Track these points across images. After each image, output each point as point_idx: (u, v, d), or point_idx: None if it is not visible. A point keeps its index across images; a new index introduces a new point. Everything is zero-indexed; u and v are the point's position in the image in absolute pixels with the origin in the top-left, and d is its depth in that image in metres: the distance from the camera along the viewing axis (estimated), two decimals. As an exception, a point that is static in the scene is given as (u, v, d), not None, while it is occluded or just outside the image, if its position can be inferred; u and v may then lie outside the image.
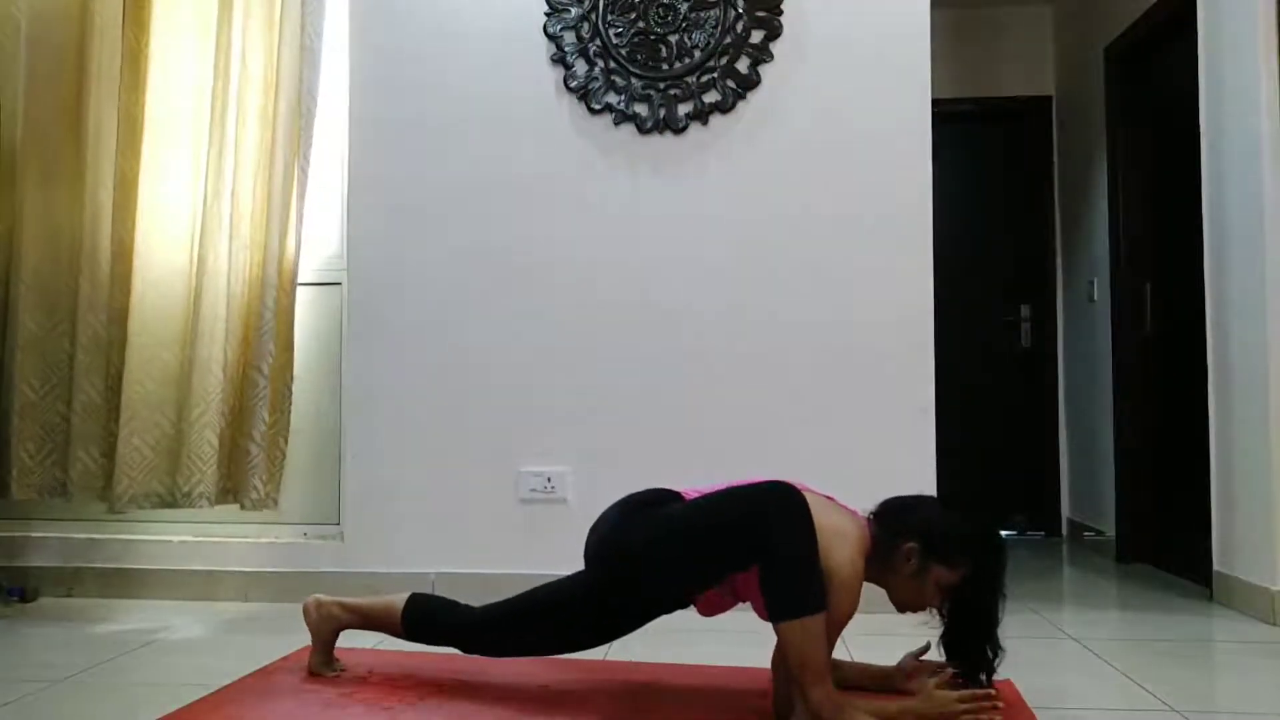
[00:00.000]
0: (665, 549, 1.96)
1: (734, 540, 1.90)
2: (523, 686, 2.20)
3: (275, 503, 3.12)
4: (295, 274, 3.16)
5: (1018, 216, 5.02)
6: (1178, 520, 3.73)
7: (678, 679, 2.29)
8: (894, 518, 2.00)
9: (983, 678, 2.00)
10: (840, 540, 1.91)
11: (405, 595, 2.22)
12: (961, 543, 1.96)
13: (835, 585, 1.87)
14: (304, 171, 3.15)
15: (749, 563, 1.89)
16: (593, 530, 2.09)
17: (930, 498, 2.09)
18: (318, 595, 2.29)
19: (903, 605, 2.02)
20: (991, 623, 1.97)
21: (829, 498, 2.05)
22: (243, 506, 3.07)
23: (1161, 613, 3.11)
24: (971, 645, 1.99)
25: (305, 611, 2.28)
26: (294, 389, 3.17)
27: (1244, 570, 3.05)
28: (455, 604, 2.22)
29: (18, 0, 3.10)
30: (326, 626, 2.26)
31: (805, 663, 1.81)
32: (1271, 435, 2.93)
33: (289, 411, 3.15)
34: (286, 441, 3.14)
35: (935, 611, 2.02)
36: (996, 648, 1.99)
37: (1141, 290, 4.01)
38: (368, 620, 2.24)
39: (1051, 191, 4.97)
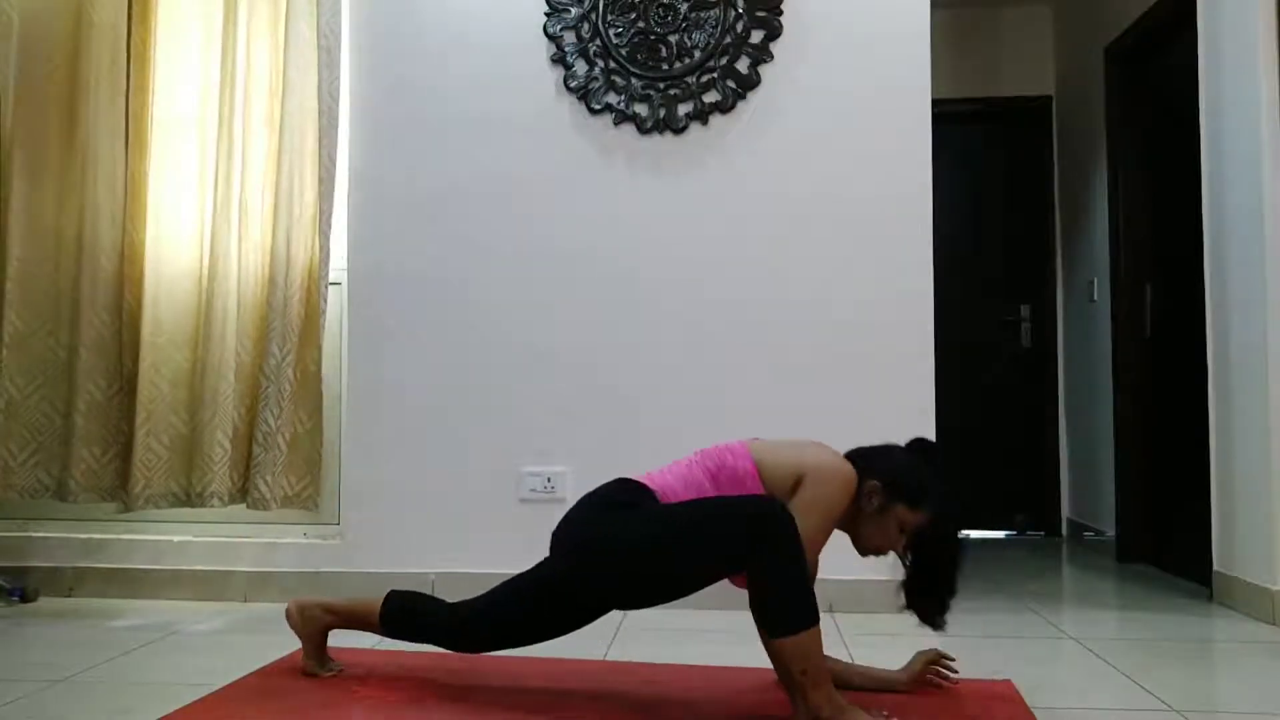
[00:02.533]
0: (647, 561, 1.92)
1: (720, 559, 1.88)
2: (522, 686, 2.20)
3: (316, 504, 3.13)
4: (323, 276, 3.13)
5: (1018, 216, 5.03)
6: (1178, 520, 3.73)
7: (678, 679, 2.29)
8: (861, 460, 2.02)
9: (939, 621, 2.02)
10: (828, 452, 1.99)
11: (383, 598, 2.21)
12: (923, 486, 1.99)
13: (835, 480, 1.93)
14: (328, 173, 3.14)
15: (733, 575, 1.90)
16: (565, 526, 2.04)
17: (897, 446, 2.09)
18: (297, 598, 2.30)
19: (865, 548, 2.05)
20: (952, 570, 1.99)
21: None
22: (247, 505, 3.08)
23: (1161, 613, 3.11)
24: (929, 592, 2.01)
25: (288, 615, 2.27)
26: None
27: (1244, 570, 3.05)
28: (431, 600, 2.23)
29: None
30: (312, 628, 2.26)
31: (804, 671, 1.80)
32: (1271, 435, 2.92)
33: (322, 414, 3.14)
34: (322, 441, 3.14)
35: (901, 560, 2.04)
36: (951, 594, 2.01)
37: (1141, 290, 4.01)
38: (350, 620, 2.25)
39: (1051, 191, 4.98)
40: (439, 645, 2.18)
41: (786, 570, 1.80)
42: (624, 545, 1.93)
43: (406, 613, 2.18)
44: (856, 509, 1.99)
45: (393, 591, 2.22)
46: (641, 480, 2.02)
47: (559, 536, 2.05)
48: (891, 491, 1.98)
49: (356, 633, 2.37)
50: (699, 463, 2.03)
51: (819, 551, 1.97)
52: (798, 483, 1.93)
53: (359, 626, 2.24)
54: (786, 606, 1.80)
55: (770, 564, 1.80)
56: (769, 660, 1.86)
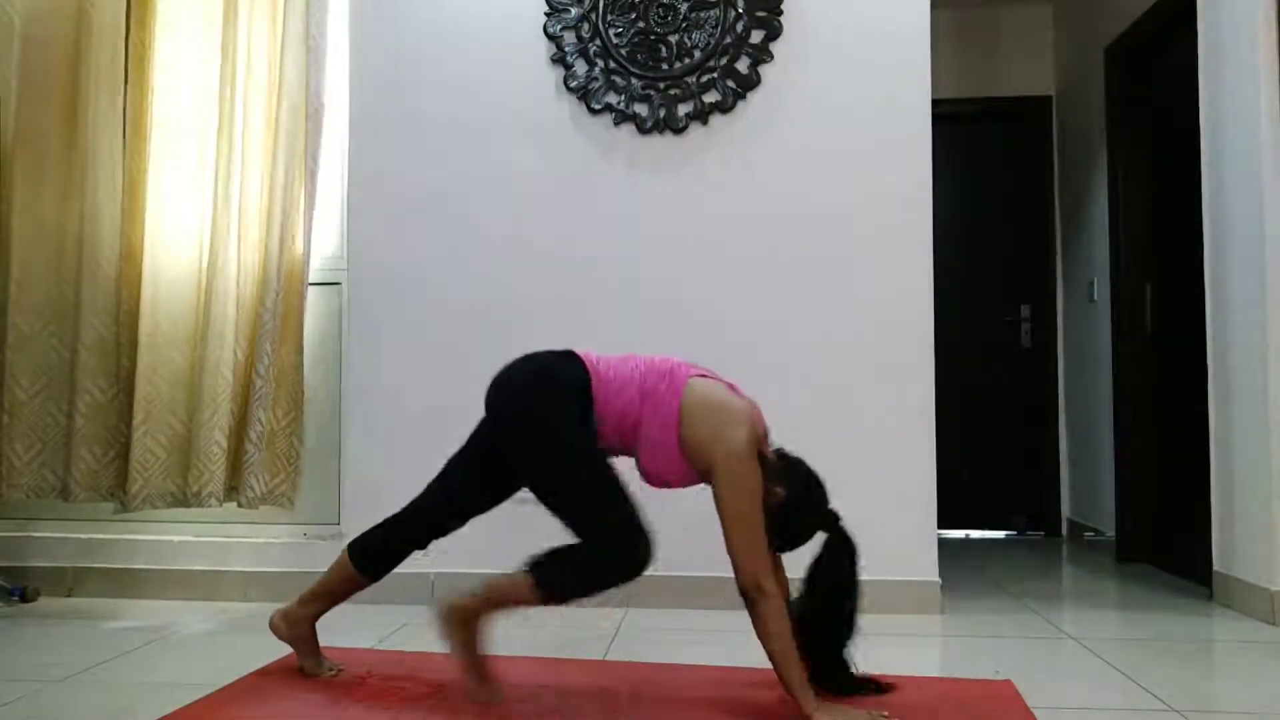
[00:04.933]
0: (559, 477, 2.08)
1: (594, 520, 2.02)
2: (522, 686, 2.20)
3: (291, 501, 3.15)
4: (305, 275, 3.16)
5: (1018, 216, 5.03)
6: (1178, 520, 3.73)
7: (678, 679, 2.29)
8: (786, 466, 2.08)
9: (842, 679, 2.07)
10: (739, 420, 2.00)
11: (343, 551, 2.27)
12: (801, 529, 2.08)
13: (741, 459, 1.96)
14: (312, 173, 3.15)
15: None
16: (505, 395, 2.24)
17: (810, 478, 2.11)
18: (278, 609, 2.30)
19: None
20: (832, 625, 2.08)
21: (731, 385, 2.14)
22: (239, 504, 3.08)
23: (1161, 613, 3.11)
24: (826, 633, 2.08)
25: (275, 629, 2.27)
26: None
27: (1244, 570, 3.05)
28: (386, 523, 2.30)
29: (13, 0, 3.11)
30: (301, 629, 2.26)
31: (769, 636, 1.90)
32: (1271, 436, 2.92)
33: (301, 411, 3.16)
34: (301, 441, 3.16)
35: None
36: (846, 634, 2.09)
37: (1141, 290, 4.01)
38: (330, 597, 2.27)
39: (1051, 192, 4.98)
40: (415, 549, 2.32)
41: (590, 570, 1.97)
42: (553, 461, 2.09)
43: (377, 547, 2.27)
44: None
45: (351, 542, 2.28)
46: (585, 361, 2.12)
47: (495, 400, 2.24)
48: (787, 510, 2.02)
49: (355, 633, 2.37)
50: (641, 375, 2.09)
51: (760, 522, 1.97)
52: (710, 462, 1.99)
53: (342, 596, 2.27)
54: (560, 577, 1.97)
55: (588, 553, 1.97)
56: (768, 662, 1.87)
